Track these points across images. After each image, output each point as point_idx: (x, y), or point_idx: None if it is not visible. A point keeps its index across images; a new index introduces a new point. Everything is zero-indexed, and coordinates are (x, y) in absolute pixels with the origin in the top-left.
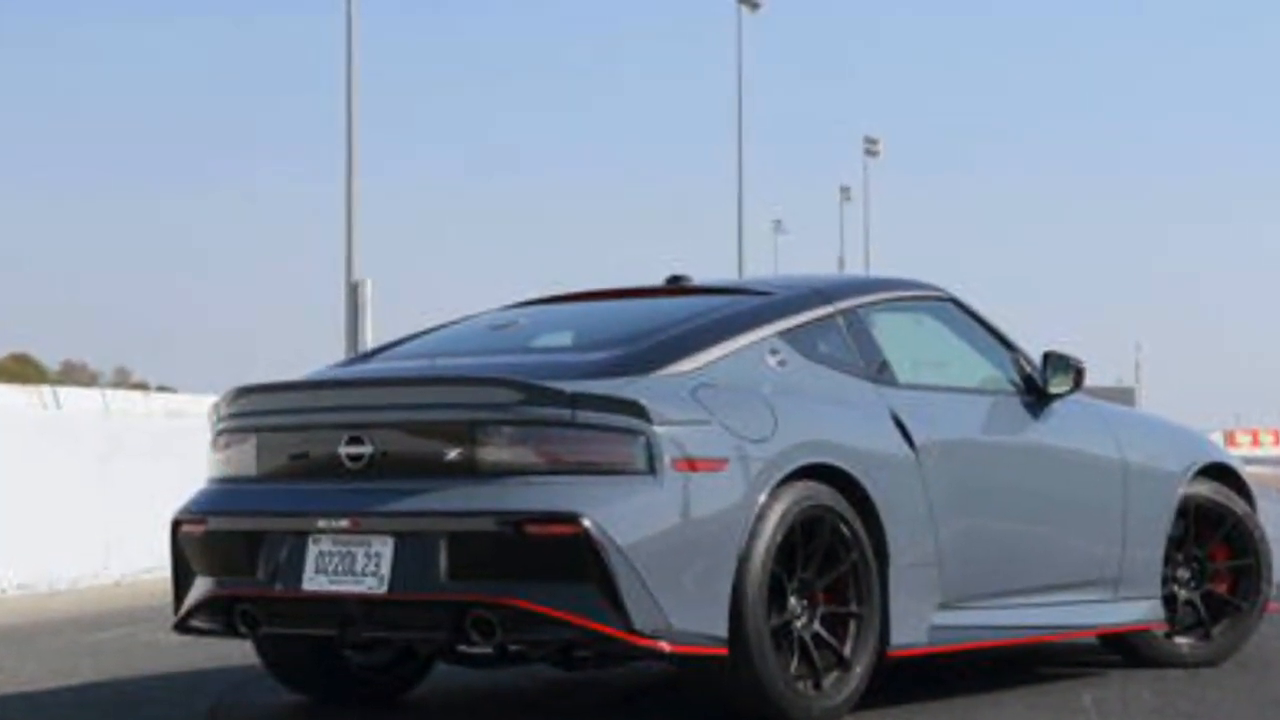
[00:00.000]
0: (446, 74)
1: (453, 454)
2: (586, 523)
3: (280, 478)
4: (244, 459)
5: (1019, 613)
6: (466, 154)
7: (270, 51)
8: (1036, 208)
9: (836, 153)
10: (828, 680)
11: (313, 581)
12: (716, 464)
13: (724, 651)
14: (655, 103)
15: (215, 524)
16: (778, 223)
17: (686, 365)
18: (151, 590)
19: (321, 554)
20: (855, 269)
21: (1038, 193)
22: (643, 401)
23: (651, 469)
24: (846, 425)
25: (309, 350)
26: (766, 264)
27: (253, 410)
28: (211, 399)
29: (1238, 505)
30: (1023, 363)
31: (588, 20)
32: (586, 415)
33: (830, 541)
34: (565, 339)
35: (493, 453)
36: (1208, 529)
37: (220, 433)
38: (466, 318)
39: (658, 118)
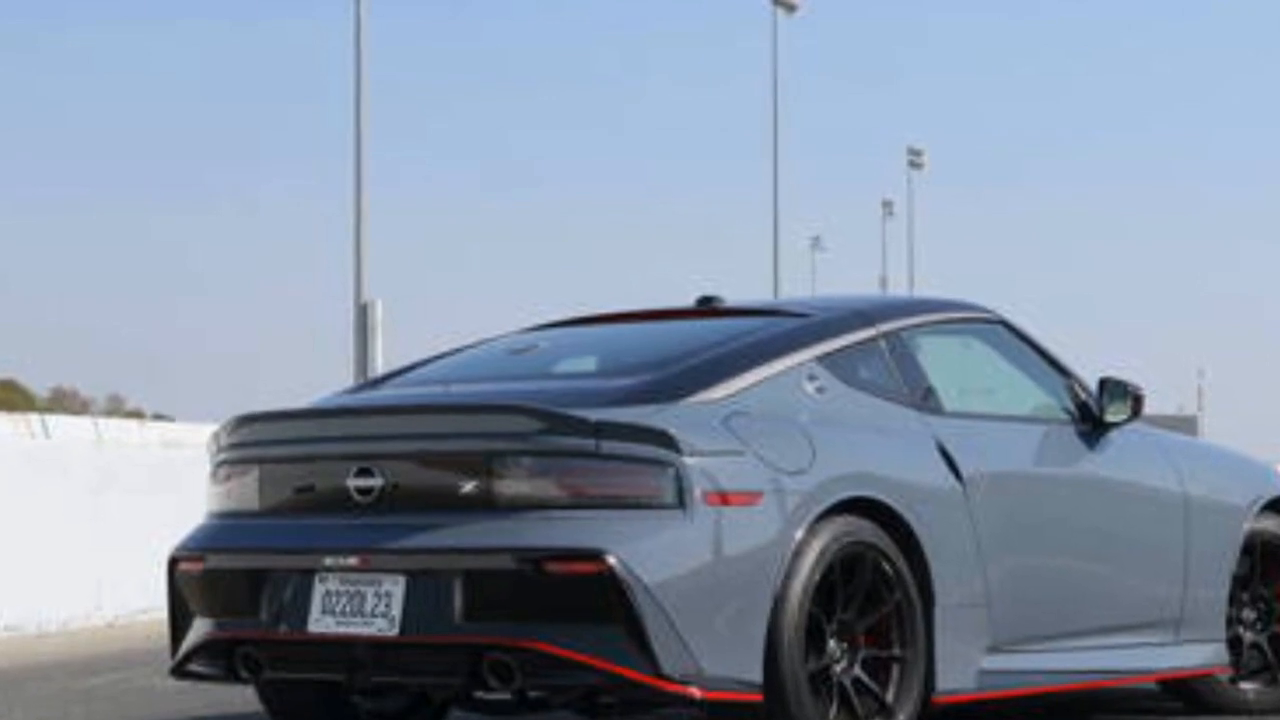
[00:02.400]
0: (462, 82)
1: (469, 487)
2: (611, 560)
3: (284, 512)
4: (246, 492)
5: (1073, 656)
6: (483, 167)
7: (274, 57)
8: (1092, 224)
9: (878, 165)
10: None
11: (319, 623)
12: (750, 497)
13: (758, 698)
14: (685, 112)
15: (215, 562)
16: (816, 239)
17: (718, 392)
18: (147, 632)
19: (328, 593)
20: (898, 289)
21: (1093, 208)
22: (671, 431)
23: (681, 503)
24: (889, 456)
25: (315, 376)
26: (804, 284)
27: (255, 440)
28: (211, 428)
29: None
30: (1077, 389)
31: (612, 25)
32: (611, 445)
33: (872, 580)
34: (589, 364)
35: (511, 485)
36: (1275, 567)
37: (220, 464)
38: (483, 341)
39: (687, 128)
